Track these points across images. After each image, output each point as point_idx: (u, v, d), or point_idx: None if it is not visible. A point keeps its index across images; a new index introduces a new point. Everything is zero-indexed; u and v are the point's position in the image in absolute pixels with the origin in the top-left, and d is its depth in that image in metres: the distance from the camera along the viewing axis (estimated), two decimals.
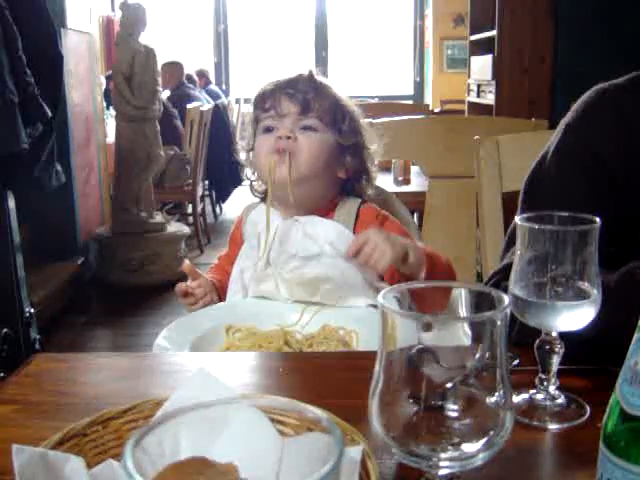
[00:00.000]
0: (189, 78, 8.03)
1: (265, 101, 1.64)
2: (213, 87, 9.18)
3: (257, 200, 1.76)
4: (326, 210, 1.64)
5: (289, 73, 1.68)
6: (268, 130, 1.63)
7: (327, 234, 1.60)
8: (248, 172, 1.75)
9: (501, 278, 1.24)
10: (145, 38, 5.37)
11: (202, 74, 9.12)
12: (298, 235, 1.61)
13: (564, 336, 0.96)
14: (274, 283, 1.58)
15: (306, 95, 1.61)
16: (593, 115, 1.36)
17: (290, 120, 1.60)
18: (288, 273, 1.58)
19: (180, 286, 1.64)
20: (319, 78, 1.66)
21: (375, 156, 1.70)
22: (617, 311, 0.95)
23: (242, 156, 1.75)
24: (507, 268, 1.13)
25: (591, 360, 1.05)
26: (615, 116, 1.33)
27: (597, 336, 0.96)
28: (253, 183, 1.75)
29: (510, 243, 1.33)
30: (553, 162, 1.36)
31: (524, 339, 0.99)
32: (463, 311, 0.71)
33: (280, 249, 1.61)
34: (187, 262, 1.71)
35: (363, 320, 1.46)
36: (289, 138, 1.58)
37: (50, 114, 2.82)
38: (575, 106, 1.40)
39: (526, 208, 1.34)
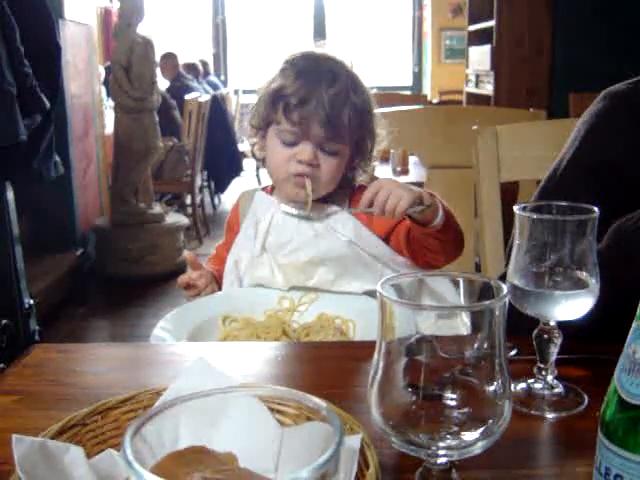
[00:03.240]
0: (187, 68, 8.02)
1: (290, 112, 1.52)
2: (212, 78, 9.15)
3: (253, 187, 1.76)
4: (322, 197, 1.64)
5: (315, 64, 1.56)
6: (286, 143, 1.56)
7: (323, 217, 1.60)
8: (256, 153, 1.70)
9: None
10: (143, 29, 5.36)
11: (204, 64, 9.11)
12: (294, 221, 1.61)
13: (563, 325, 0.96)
14: (270, 269, 1.59)
15: (335, 118, 1.51)
16: (606, 121, 1.35)
17: (314, 142, 1.53)
18: (283, 258, 1.58)
19: (182, 278, 1.64)
20: (344, 81, 1.54)
21: (380, 146, 1.69)
22: (616, 266, 0.95)
23: (247, 143, 1.71)
24: None
25: (593, 335, 1.05)
26: (629, 120, 1.33)
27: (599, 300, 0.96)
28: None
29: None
30: (570, 170, 1.35)
31: (521, 329, 0.99)
32: (462, 300, 0.71)
33: (276, 235, 1.61)
34: (188, 252, 1.71)
35: (359, 309, 1.46)
36: (311, 164, 1.54)
37: (48, 105, 2.81)
38: (589, 111, 1.39)
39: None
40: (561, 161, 1.38)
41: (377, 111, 1.65)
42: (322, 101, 1.50)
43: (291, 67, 1.56)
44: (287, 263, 1.57)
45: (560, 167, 1.38)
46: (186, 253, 1.71)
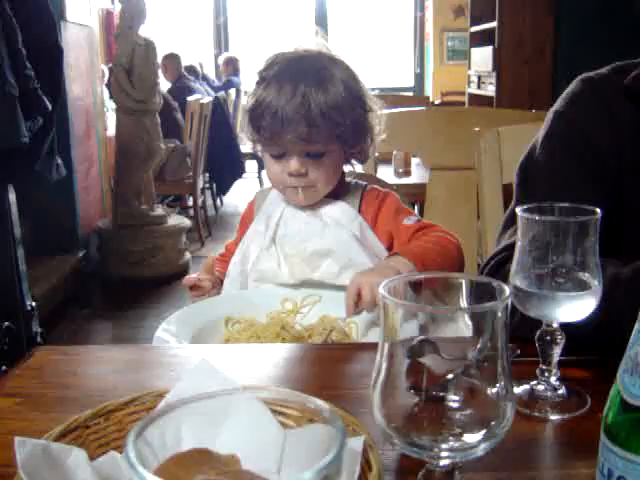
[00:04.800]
0: (189, 70, 8.02)
1: (263, 133, 1.56)
2: (236, 78, 9.08)
3: (269, 187, 1.78)
4: (333, 194, 1.65)
5: (280, 73, 1.56)
6: (275, 156, 1.58)
7: (331, 211, 1.62)
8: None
9: (502, 259, 1.25)
10: (145, 31, 5.36)
11: (230, 62, 9.07)
12: (304, 214, 1.63)
13: (567, 328, 0.96)
14: (276, 261, 1.60)
15: (306, 124, 1.50)
16: (580, 102, 1.40)
17: (296, 152, 1.55)
18: (291, 249, 1.59)
19: (189, 279, 1.65)
20: (306, 84, 1.52)
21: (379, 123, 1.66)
22: (628, 303, 0.95)
23: (249, 145, 1.72)
24: (508, 248, 1.15)
25: (595, 352, 1.06)
26: (600, 102, 1.37)
27: (603, 327, 0.97)
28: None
29: (506, 227, 1.35)
30: (545, 148, 1.39)
31: (523, 331, 0.99)
32: (464, 302, 0.71)
33: (285, 228, 1.63)
34: (211, 258, 1.74)
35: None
36: (300, 174, 1.56)
37: (50, 107, 2.81)
38: (563, 95, 1.44)
39: (522, 195, 1.37)
40: (535, 143, 1.42)
41: (370, 94, 1.64)
42: (286, 115, 1.50)
43: (261, 82, 1.59)
44: (294, 254, 1.59)
45: (536, 147, 1.41)
46: (209, 258, 1.73)
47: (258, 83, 1.59)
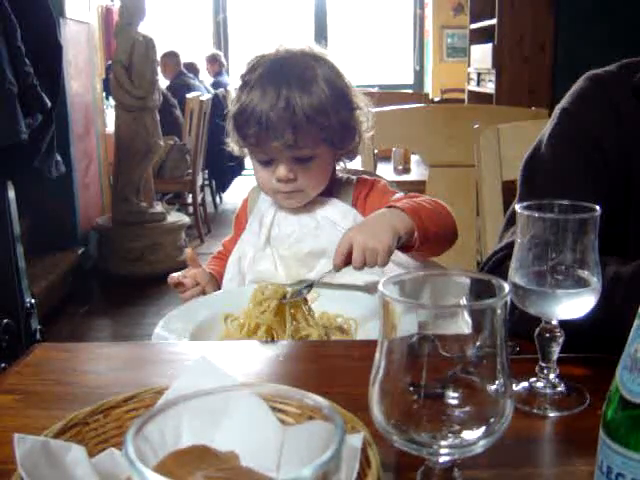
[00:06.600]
0: (188, 67, 8.01)
1: (249, 141, 1.56)
2: (224, 78, 8.93)
3: None
4: (325, 192, 1.65)
5: (263, 77, 1.53)
6: (262, 163, 1.58)
7: (323, 210, 1.62)
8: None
9: (503, 257, 1.25)
10: (144, 28, 5.36)
11: (215, 59, 8.98)
12: (296, 215, 1.63)
13: (567, 326, 0.96)
14: (272, 262, 1.60)
15: (290, 130, 1.49)
16: (587, 100, 1.39)
17: (283, 158, 1.54)
18: (286, 250, 1.60)
19: (172, 277, 1.65)
20: (288, 88, 1.50)
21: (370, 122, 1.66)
22: (628, 301, 0.95)
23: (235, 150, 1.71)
24: (509, 246, 1.15)
25: (594, 349, 1.06)
26: (607, 101, 1.36)
27: (603, 325, 0.97)
28: None
29: (509, 224, 1.35)
30: (550, 146, 1.38)
31: (522, 328, 0.99)
32: (463, 299, 0.71)
33: (279, 228, 1.63)
34: (190, 250, 1.73)
35: (361, 308, 1.46)
36: (289, 180, 1.55)
37: (49, 104, 2.81)
38: (569, 92, 1.43)
39: (525, 192, 1.36)
40: (541, 140, 1.41)
41: (373, 110, 1.65)
42: (271, 121, 1.48)
43: (244, 86, 1.56)
44: (289, 255, 1.59)
45: (541, 144, 1.40)
46: (188, 251, 1.72)
47: (241, 87, 1.57)
